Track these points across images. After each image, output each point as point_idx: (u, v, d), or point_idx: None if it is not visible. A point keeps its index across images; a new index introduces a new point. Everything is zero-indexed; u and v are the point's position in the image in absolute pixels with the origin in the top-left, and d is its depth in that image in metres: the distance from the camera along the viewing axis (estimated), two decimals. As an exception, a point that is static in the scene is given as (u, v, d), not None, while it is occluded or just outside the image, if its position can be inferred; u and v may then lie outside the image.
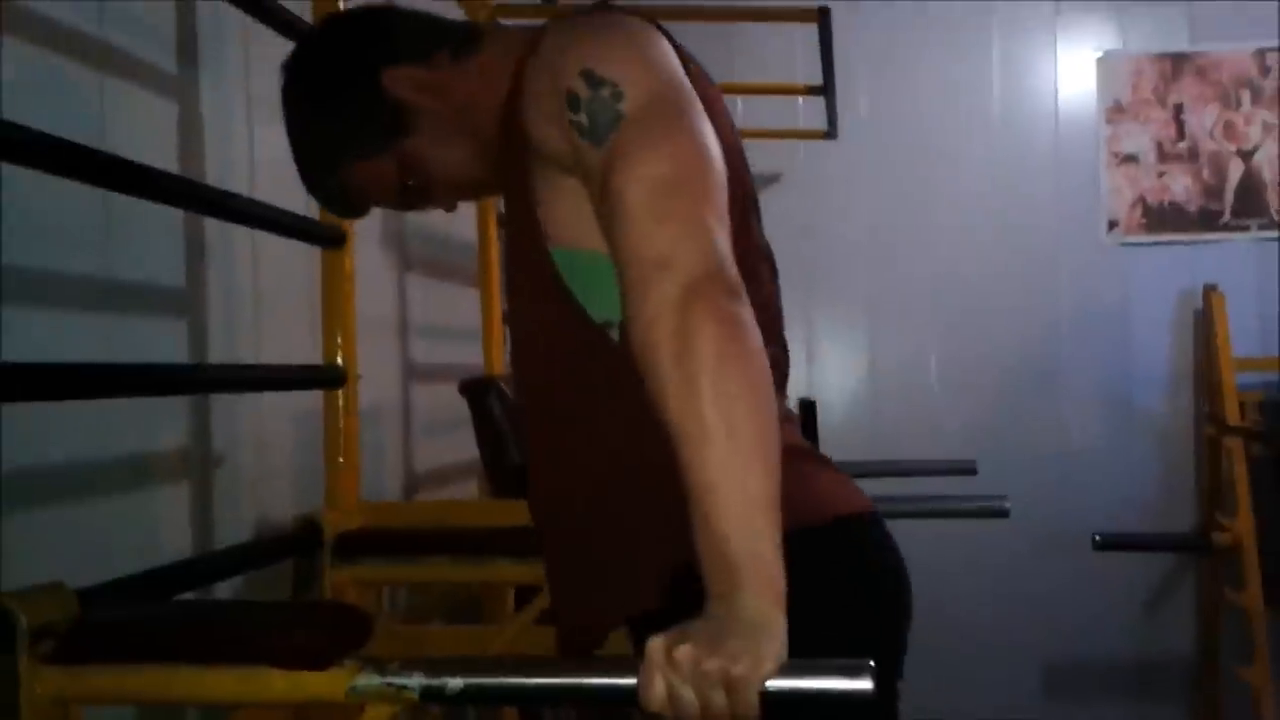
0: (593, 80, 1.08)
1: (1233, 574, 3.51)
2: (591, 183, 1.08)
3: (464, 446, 2.54)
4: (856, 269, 4.05)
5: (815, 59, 3.19)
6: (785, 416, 1.20)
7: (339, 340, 1.87)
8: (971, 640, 3.80)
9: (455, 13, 2.54)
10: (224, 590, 1.76)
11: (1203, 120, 3.98)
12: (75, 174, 1.28)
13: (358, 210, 1.38)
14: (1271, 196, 3.96)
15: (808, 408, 2.43)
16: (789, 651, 0.90)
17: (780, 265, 1.32)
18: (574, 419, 1.21)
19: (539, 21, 1.19)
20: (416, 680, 1.01)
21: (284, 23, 1.70)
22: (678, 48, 1.17)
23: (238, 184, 1.88)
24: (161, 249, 1.76)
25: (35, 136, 1.17)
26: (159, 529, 1.71)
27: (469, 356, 2.87)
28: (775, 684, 0.88)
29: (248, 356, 1.95)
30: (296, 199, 1.45)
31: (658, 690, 0.88)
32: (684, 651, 0.87)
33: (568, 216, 1.13)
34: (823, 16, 3.08)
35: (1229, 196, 3.97)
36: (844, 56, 3.30)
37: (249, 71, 1.97)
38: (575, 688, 0.97)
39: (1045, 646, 3.94)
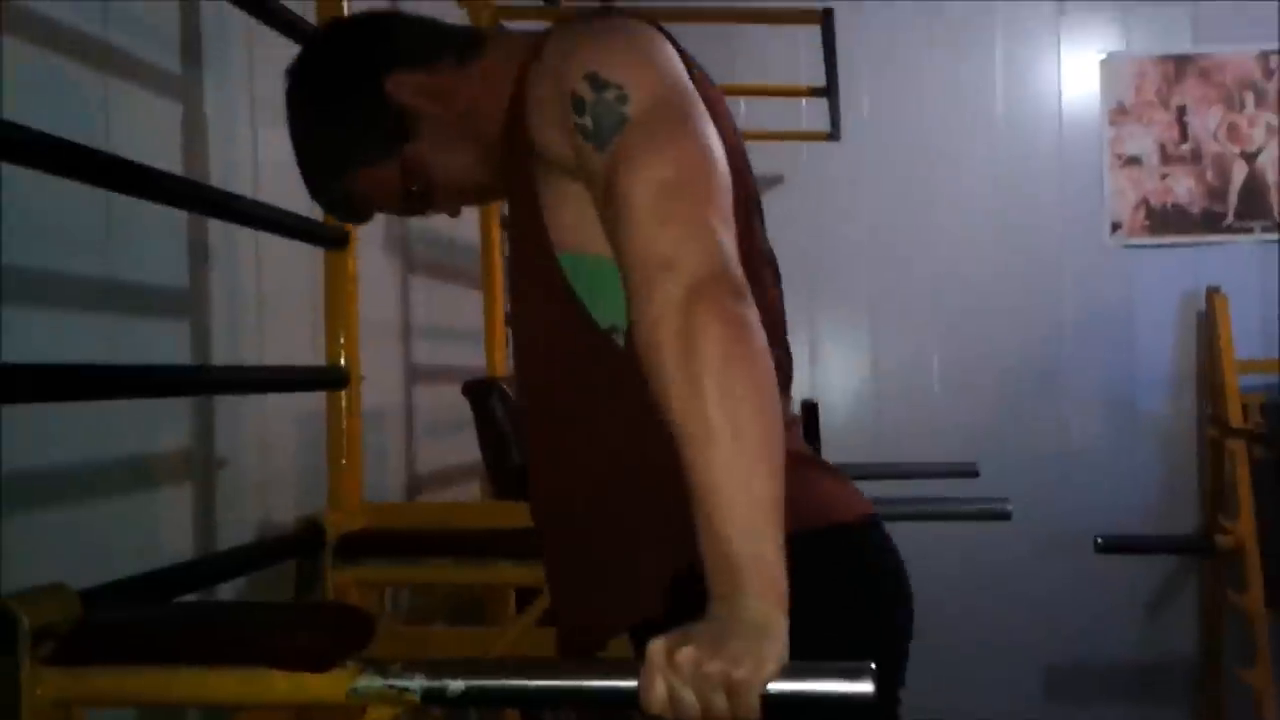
0: (597, 83, 1.07)
1: (1235, 576, 3.51)
2: (595, 186, 1.08)
3: (466, 448, 2.54)
4: (859, 270, 4.05)
5: (818, 60, 3.19)
6: (788, 421, 1.20)
7: (342, 342, 1.87)
8: (973, 642, 3.80)
9: (457, 15, 2.54)
10: (226, 591, 1.76)
11: (1206, 122, 3.97)
12: (77, 175, 1.28)
13: (362, 216, 1.38)
14: (1275, 198, 3.95)
15: (810, 410, 2.43)
16: (790, 654, 0.90)
17: (783, 267, 1.31)
18: (576, 421, 1.21)
19: (542, 25, 1.19)
20: (418, 682, 1.01)
21: (288, 24, 1.71)
22: (680, 51, 1.17)
23: (241, 185, 1.88)
24: (164, 250, 1.76)
25: (36, 137, 1.17)
26: (161, 530, 1.71)
27: (471, 358, 2.87)
28: (776, 686, 0.88)
29: (251, 358, 1.96)
30: (300, 200, 1.45)
31: (659, 692, 0.88)
32: (685, 653, 0.87)
33: (572, 221, 1.13)
34: (826, 18, 3.07)
35: (1232, 198, 3.96)
36: (847, 58, 3.30)
37: (253, 73, 1.97)
38: (576, 690, 0.98)
39: (1047, 648, 3.94)
